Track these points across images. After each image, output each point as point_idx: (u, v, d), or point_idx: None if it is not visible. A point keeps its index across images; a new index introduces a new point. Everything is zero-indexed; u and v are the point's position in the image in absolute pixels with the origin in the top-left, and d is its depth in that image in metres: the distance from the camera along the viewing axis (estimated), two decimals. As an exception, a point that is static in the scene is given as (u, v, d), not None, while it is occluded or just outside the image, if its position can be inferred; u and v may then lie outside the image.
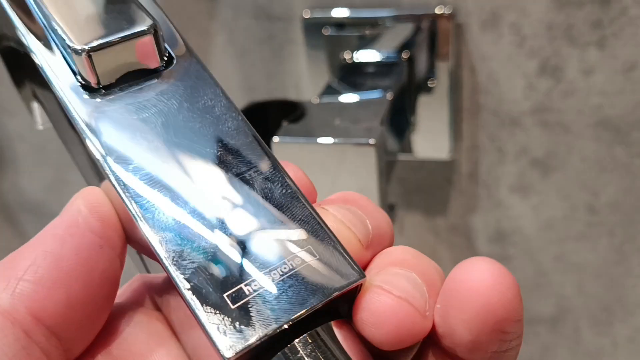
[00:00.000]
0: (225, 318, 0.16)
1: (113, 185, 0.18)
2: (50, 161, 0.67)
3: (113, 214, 0.18)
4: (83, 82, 0.19)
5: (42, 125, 0.26)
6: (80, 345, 0.17)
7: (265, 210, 0.18)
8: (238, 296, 0.16)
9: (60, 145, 0.23)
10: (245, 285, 0.17)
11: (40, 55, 0.20)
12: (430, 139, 0.52)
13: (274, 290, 0.17)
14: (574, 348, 0.61)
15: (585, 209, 0.53)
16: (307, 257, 0.17)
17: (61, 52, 0.20)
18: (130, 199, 0.18)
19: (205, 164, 0.19)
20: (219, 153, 0.19)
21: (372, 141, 0.40)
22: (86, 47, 0.19)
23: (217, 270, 0.17)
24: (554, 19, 0.45)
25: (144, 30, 0.19)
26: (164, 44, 0.20)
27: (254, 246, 0.17)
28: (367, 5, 0.49)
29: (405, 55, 0.48)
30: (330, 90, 0.48)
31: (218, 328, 0.16)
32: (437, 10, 0.47)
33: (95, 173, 0.19)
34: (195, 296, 0.16)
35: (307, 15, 0.50)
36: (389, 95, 0.46)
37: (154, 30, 0.20)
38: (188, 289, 0.16)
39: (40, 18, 0.20)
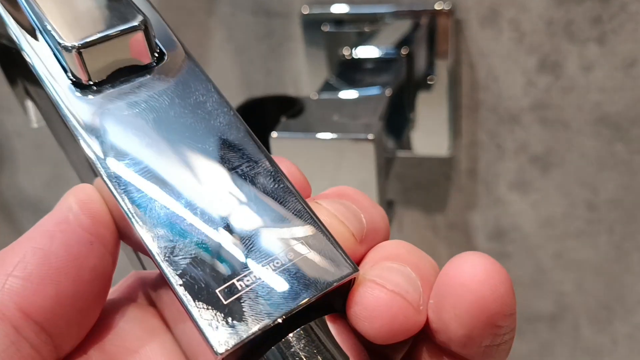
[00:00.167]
0: (218, 313, 0.16)
1: (105, 182, 0.18)
2: (48, 158, 0.67)
3: (105, 211, 0.18)
4: (74, 79, 0.19)
5: (36, 123, 0.26)
6: (71, 341, 0.17)
7: (257, 205, 0.18)
8: (230, 291, 0.16)
9: (58, 142, 0.23)
10: (238, 280, 0.17)
11: (31, 52, 0.20)
12: (429, 135, 0.52)
13: (266, 285, 0.17)
14: (574, 345, 0.61)
15: (584, 206, 0.53)
16: (300, 252, 0.17)
17: (52, 49, 0.20)
18: (122, 195, 0.18)
19: (197, 159, 0.18)
20: (210, 148, 0.19)
21: (370, 136, 0.40)
22: (76, 44, 0.19)
23: (210, 266, 0.17)
24: (553, 15, 0.45)
25: (134, 26, 0.19)
26: (154, 39, 0.20)
27: (246, 241, 0.17)
28: (366, 1, 0.48)
29: (404, 51, 0.48)
30: (329, 87, 0.48)
31: (210, 323, 0.16)
32: (437, 6, 0.47)
33: (89, 170, 0.19)
34: (188, 292, 0.16)
35: (305, 11, 0.50)
36: (388, 92, 0.46)
37: (145, 26, 0.19)
38: (180, 285, 0.16)
39: (30, 15, 0.20)
